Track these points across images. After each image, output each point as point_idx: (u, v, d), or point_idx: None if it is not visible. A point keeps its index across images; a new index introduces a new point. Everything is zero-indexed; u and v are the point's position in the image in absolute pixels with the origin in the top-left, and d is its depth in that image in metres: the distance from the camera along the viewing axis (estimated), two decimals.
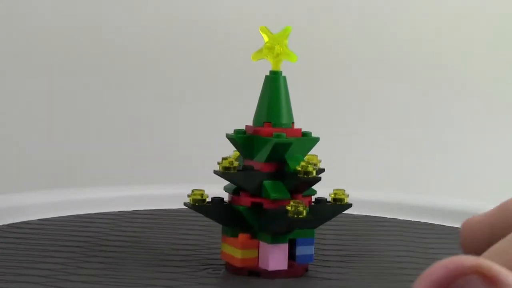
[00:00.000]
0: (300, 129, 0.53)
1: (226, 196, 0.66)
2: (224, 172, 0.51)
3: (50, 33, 0.96)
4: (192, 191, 0.53)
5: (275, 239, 0.51)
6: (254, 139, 0.53)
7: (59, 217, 0.67)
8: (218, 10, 0.99)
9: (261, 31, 0.53)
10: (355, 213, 0.76)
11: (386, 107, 1.03)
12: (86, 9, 0.97)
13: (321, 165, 0.51)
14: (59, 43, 0.97)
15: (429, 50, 1.03)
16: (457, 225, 0.71)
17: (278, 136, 0.51)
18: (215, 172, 0.52)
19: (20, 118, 0.95)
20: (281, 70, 0.53)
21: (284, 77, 0.53)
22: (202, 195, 0.52)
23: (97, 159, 0.97)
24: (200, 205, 0.52)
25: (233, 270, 0.53)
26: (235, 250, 0.52)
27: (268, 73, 0.54)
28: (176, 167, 1.00)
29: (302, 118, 0.93)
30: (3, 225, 0.63)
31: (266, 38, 0.53)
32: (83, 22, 0.97)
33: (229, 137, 0.53)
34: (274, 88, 0.53)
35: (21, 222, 0.65)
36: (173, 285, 0.49)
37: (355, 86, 1.03)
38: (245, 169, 0.52)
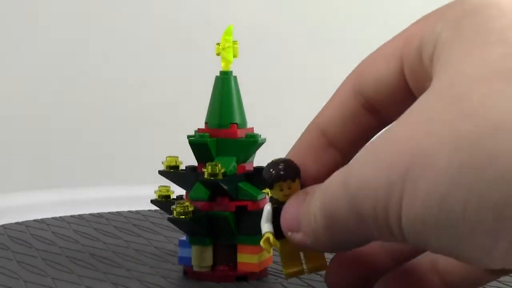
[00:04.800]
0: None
1: None
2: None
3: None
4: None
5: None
6: None
7: (59, 216, 0.68)
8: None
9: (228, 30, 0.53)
10: None
11: None
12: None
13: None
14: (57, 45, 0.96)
15: None
16: None
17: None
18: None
19: (19, 118, 0.97)
20: (231, 70, 0.52)
21: (235, 77, 0.52)
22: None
23: (97, 159, 0.95)
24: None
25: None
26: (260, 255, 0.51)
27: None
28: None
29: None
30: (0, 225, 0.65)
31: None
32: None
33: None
34: (217, 88, 0.52)
35: (15, 222, 0.66)
36: None
37: None
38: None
